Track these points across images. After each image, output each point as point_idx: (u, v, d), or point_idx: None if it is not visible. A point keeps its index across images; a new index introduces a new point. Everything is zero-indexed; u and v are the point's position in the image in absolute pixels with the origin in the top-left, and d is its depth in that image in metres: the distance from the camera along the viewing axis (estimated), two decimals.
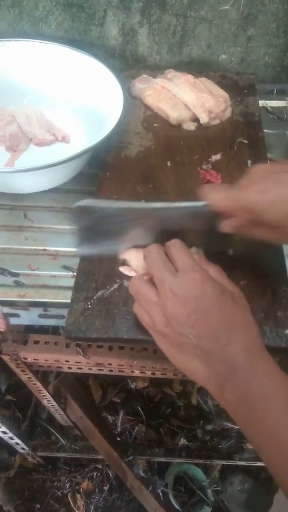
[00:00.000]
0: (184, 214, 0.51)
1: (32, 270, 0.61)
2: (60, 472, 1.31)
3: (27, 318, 0.59)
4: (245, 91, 0.81)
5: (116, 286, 0.55)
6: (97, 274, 0.56)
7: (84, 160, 0.69)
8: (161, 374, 0.85)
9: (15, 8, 0.79)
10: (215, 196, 0.47)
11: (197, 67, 0.86)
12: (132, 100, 0.79)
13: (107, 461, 1.20)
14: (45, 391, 1.04)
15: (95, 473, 1.32)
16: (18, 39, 0.75)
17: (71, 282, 0.57)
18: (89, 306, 0.53)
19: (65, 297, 0.57)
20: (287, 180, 0.44)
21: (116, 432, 1.31)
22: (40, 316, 0.58)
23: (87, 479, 1.31)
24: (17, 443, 1.15)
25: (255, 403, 0.40)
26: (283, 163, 0.49)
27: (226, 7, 0.77)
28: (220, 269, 0.48)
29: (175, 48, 0.84)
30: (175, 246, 0.47)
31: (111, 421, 1.34)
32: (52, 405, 1.11)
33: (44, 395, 1.05)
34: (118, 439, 1.29)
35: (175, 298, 0.42)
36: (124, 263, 0.57)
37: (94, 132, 0.67)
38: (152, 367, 0.83)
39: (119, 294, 0.54)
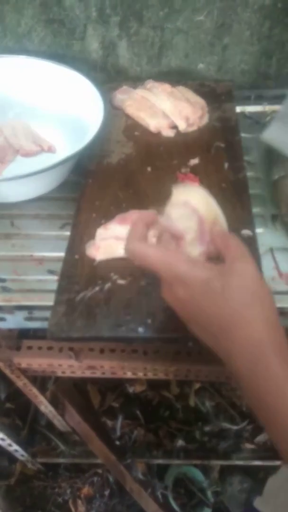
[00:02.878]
0: None
1: (19, 276, 0.63)
2: (61, 478, 1.32)
3: (13, 321, 0.61)
4: (223, 97, 0.84)
5: (97, 288, 0.57)
6: (79, 276, 0.58)
7: (67, 168, 0.72)
8: (153, 374, 0.87)
9: None
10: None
11: (177, 77, 0.89)
12: (113, 111, 0.82)
13: (106, 465, 1.21)
14: (41, 397, 1.05)
15: (96, 478, 1.33)
16: (2, 55, 0.79)
17: (56, 286, 0.59)
18: (71, 307, 0.55)
19: (50, 300, 0.59)
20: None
21: (116, 436, 1.32)
22: (26, 319, 0.61)
23: (87, 484, 1.32)
24: (16, 450, 1.16)
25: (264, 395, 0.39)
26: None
27: (200, 18, 0.80)
28: None
29: (154, 59, 0.87)
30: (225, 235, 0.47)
31: (110, 426, 1.35)
32: (50, 411, 1.13)
33: (41, 401, 1.07)
34: (118, 443, 1.30)
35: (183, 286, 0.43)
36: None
37: (78, 142, 0.69)
38: (144, 368, 0.85)
39: (100, 295, 0.56)
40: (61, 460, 1.25)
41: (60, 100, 0.80)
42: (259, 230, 0.66)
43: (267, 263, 0.63)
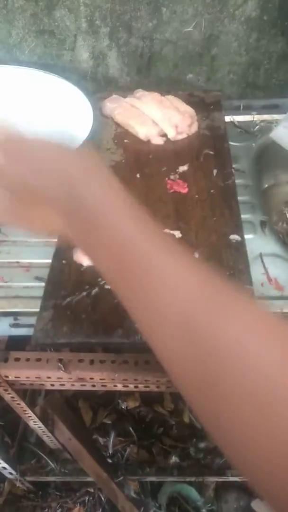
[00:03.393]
0: None
1: (5, 282, 0.62)
2: (51, 498, 1.28)
3: None
4: (212, 106, 0.84)
5: (84, 293, 0.56)
6: (66, 282, 0.57)
7: None
8: (144, 386, 0.85)
9: None
10: None
11: (166, 87, 0.90)
12: (103, 119, 0.83)
13: (97, 482, 1.17)
14: (30, 412, 1.03)
15: (87, 498, 1.29)
16: None
17: (42, 292, 0.58)
18: (58, 312, 0.54)
19: (37, 307, 0.57)
20: None
21: (108, 454, 1.29)
22: (12, 325, 0.59)
23: (78, 504, 1.28)
24: (5, 468, 1.13)
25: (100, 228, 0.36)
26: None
27: (189, 29, 0.81)
28: None
29: (144, 69, 0.88)
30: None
31: (102, 443, 1.32)
32: (39, 427, 1.09)
33: (30, 416, 1.04)
34: (110, 461, 1.27)
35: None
36: None
37: None
38: (134, 380, 0.83)
39: (87, 300, 0.55)
40: (51, 479, 1.21)
41: (51, 108, 0.80)
42: (248, 236, 0.66)
43: (256, 268, 0.62)
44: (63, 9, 0.80)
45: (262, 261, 0.64)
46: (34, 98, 0.81)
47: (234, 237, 0.61)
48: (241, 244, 0.61)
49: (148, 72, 0.88)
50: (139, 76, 0.89)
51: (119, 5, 0.79)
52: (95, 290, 0.56)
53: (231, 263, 0.58)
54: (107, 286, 0.57)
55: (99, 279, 0.57)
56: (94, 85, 0.90)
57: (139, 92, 0.82)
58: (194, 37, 0.83)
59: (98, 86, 0.90)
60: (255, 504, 0.66)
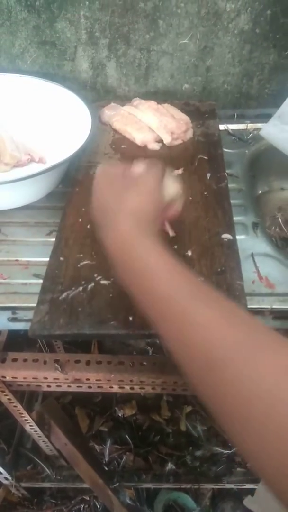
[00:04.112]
0: None
1: (4, 279, 0.64)
2: (46, 506, 1.27)
3: None
4: (206, 115, 0.88)
5: (81, 288, 0.58)
6: (63, 277, 0.59)
7: (55, 178, 0.74)
8: (139, 388, 0.86)
9: None
10: None
11: (163, 96, 0.93)
12: (102, 126, 0.86)
13: (92, 489, 1.17)
14: (27, 415, 1.03)
15: (82, 505, 1.28)
16: None
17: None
18: (54, 306, 0.55)
19: (34, 302, 0.59)
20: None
21: (104, 462, 1.28)
22: (10, 320, 0.61)
23: (74, 511, 1.27)
24: (0, 473, 1.13)
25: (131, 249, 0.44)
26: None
27: (185, 41, 0.85)
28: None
29: (142, 79, 0.91)
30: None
31: (98, 451, 1.32)
32: (35, 431, 1.10)
33: (27, 420, 1.04)
34: (106, 468, 1.26)
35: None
36: None
37: (68, 155, 0.72)
38: (130, 381, 0.84)
39: (83, 294, 0.57)
40: (46, 485, 1.20)
41: (51, 116, 0.83)
42: (241, 237, 0.68)
43: (248, 267, 0.64)
44: (64, 22, 0.83)
45: (254, 260, 0.66)
46: (35, 106, 0.84)
47: (226, 236, 0.63)
48: (233, 243, 0.63)
49: (146, 82, 0.92)
50: (137, 86, 0.92)
51: (117, 18, 0.82)
52: (91, 285, 0.58)
53: (222, 260, 0.60)
54: (102, 282, 0.59)
55: (95, 275, 0.59)
56: (93, 94, 0.93)
57: (136, 101, 0.85)
58: (190, 48, 0.86)
59: (98, 95, 0.93)
60: (248, 501, 0.67)
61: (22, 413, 1.01)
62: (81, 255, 0.62)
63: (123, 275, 0.45)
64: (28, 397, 1.21)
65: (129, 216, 0.46)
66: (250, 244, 0.68)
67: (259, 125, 0.91)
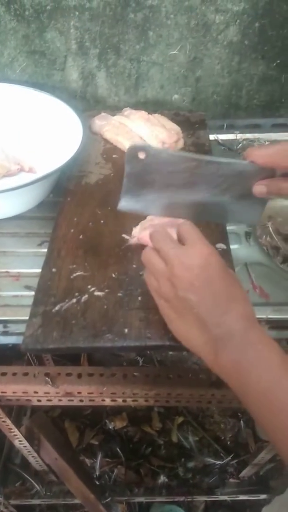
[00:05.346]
0: (230, 173, 0.52)
1: None
2: None
3: None
4: (197, 125, 0.88)
5: (74, 300, 0.57)
6: (55, 289, 0.58)
7: (46, 188, 0.73)
8: (132, 400, 0.85)
9: None
10: (260, 152, 0.50)
11: (153, 107, 0.93)
12: (92, 136, 0.85)
13: (84, 504, 1.14)
14: (16, 430, 1.00)
15: None
16: None
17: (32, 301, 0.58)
18: (47, 319, 0.54)
19: (26, 314, 0.58)
20: None
21: (95, 476, 1.26)
22: (1, 333, 0.59)
23: None
24: None
25: (249, 365, 0.42)
26: None
27: (174, 52, 0.86)
28: None
29: (132, 90, 0.91)
30: (185, 224, 0.50)
31: (89, 465, 1.29)
32: (24, 447, 1.07)
33: (16, 435, 1.02)
34: (97, 483, 1.24)
35: (181, 265, 0.46)
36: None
37: (58, 164, 0.71)
38: (123, 393, 0.82)
39: (77, 306, 0.56)
40: (36, 501, 1.17)
41: (41, 125, 0.82)
42: (234, 246, 0.68)
43: (242, 276, 0.64)
44: (54, 31, 0.83)
45: (247, 270, 0.66)
46: (25, 115, 0.83)
47: (220, 245, 0.63)
48: (227, 252, 0.62)
49: (136, 92, 0.92)
50: (127, 96, 0.92)
51: (108, 28, 0.83)
52: (84, 297, 0.57)
53: None
54: (96, 293, 0.58)
55: (89, 286, 0.58)
56: (83, 104, 0.93)
57: (127, 111, 0.85)
58: (179, 59, 0.87)
59: (87, 105, 0.93)
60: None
61: (11, 428, 0.98)
62: (74, 266, 0.61)
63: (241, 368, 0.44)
64: (16, 411, 1.18)
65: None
66: (243, 253, 0.69)
67: (248, 135, 0.92)
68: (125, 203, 0.56)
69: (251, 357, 0.42)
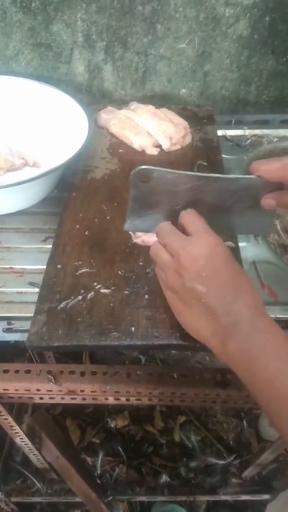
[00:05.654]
0: (237, 188, 0.51)
1: None
2: None
3: None
4: (204, 120, 0.86)
5: (80, 297, 0.56)
6: (61, 286, 0.57)
7: (50, 183, 0.72)
8: (136, 399, 0.84)
9: None
10: (267, 167, 0.49)
11: (160, 101, 0.92)
12: (98, 130, 0.84)
13: (85, 503, 1.13)
14: (17, 427, 1.00)
15: None
16: None
17: (37, 298, 0.57)
18: (53, 316, 0.53)
19: (30, 311, 0.57)
20: None
21: (96, 474, 1.25)
22: (5, 330, 0.58)
23: None
24: None
25: (256, 354, 0.42)
26: None
27: (182, 45, 0.84)
28: None
29: (139, 83, 0.90)
30: (189, 213, 0.50)
31: (90, 463, 1.28)
32: (26, 444, 1.06)
33: (17, 433, 1.01)
34: (98, 481, 1.23)
35: (188, 256, 0.45)
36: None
37: (63, 159, 0.70)
38: (126, 392, 0.81)
39: (83, 304, 0.55)
40: (37, 499, 1.16)
41: (46, 119, 0.81)
42: (242, 244, 0.67)
43: (250, 275, 0.63)
44: (60, 24, 0.81)
45: (256, 268, 0.64)
46: (30, 108, 0.82)
47: (229, 243, 0.62)
48: (236, 251, 0.61)
49: (143, 86, 0.90)
50: (133, 90, 0.91)
51: (115, 21, 0.81)
52: (90, 294, 0.56)
53: None
54: (102, 290, 0.56)
55: (95, 284, 0.57)
56: (89, 98, 0.91)
57: (134, 104, 0.84)
58: (188, 53, 0.85)
59: (93, 98, 0.92)
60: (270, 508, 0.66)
61: (12, 426, 0.97)
62: (80, 262, 0.60)
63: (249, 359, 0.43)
64: (17, 409, 1.17)
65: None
66: (251, 251, 0.67)
67: (256, 131, 0.91)
68: (131, 224, 0.55)
69: (259, 345, 0.42)
